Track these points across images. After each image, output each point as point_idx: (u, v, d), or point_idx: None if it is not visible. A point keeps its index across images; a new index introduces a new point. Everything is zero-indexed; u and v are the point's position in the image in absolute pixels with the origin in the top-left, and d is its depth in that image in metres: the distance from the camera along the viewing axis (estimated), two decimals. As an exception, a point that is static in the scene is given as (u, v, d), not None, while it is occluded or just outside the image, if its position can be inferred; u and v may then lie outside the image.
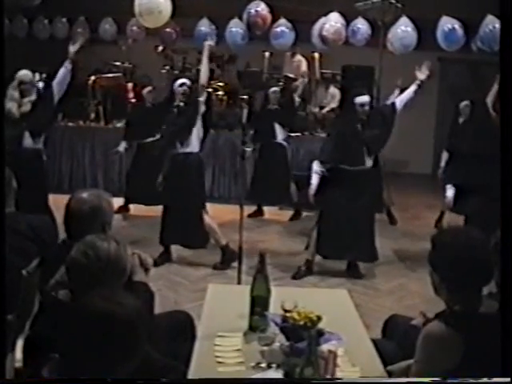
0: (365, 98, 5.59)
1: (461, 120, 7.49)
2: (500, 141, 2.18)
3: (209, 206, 6.06)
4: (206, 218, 5.86)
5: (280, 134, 7.74)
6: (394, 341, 3.07)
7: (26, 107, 5.78)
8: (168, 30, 9.07)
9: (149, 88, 7.91)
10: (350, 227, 5.59)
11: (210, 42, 6.09)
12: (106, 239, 2.48)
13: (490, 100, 6.42)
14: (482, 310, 2.29)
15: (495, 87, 6.58)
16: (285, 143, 7.78)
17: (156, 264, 5.83)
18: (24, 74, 5.89)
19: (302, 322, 2.55)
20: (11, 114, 5.65)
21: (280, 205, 7.99)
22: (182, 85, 5.91)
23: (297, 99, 7.80)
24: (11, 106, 5.67)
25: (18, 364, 2.57)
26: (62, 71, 5.87)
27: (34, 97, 5.82)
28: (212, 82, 9.56)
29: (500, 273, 2.30)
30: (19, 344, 2.84)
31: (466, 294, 2.29)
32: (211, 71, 9.71)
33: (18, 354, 2.78)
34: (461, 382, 1.97)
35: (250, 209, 7.68)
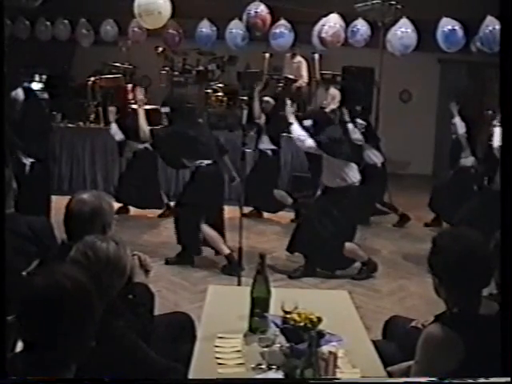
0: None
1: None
2: (500, 141, 2.18)
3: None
4: (205, 229, 5.83)
5: (262, 142, 7.75)
6: (395, 342, 3.07)
7: None
8: (170, 31, 9.07)
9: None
10: (323, 235, 5.63)
11: (140, 97, 6.02)
12: (105, 240, 2.49)
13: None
14: (481, 311, 2.29)
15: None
16: (268, 151, 7.76)
17: (168, 262, 5.94)
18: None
19: (302, 324, 2.55)
20: None
21: (274, 209, 7.97)
22: None
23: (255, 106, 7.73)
24: None
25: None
26: None
27: None
28: (212, 82, 9.57)
29: (500, 273, 2.30)
30: (19, 345, 2.84)
31: (465, 296, 2.29)
32: (211, 72, 9.75)
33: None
34: (459, 382, 1.97)
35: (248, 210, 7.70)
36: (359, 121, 7.44)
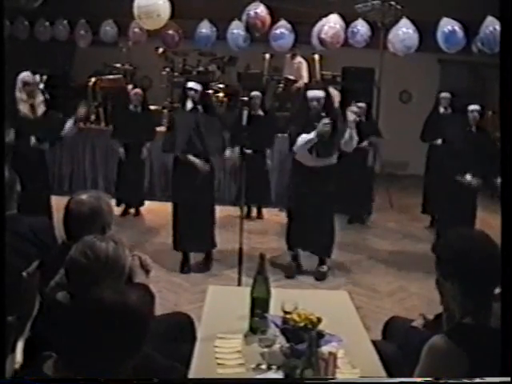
0: None
1: (441, 110, 7.48)
2: (500, 141, 2.17)
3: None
4: None
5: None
6: (394, 342, 3.06)
7: (40, 109, 5.82)
8: (170, 32, 9.07)
9: (136, 90, 7.87)
10: (311, 222, 5.63)
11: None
12: (104, 239, 2.49)
13: None
14: (492, 324, 2.17)
15: None
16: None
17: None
18: (26, 75, 5.89)
19: (302, 324, 2.55)
20: (27, 116, 5.71)
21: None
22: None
23: None
24: (23, 107, 5.71)
25: (18, 365, 2.57)
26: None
27: (41, 97, 5.86)
28: (212, 83, 9.58)
29: (501, 271, 2.24)
30: (19, 345, 2.84)
31: (482, 302, 2.18)
32: (211, 73, 9.74)
33: (19, 355, 2.78)
34: (459, 383, 1.96)
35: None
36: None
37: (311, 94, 5.45)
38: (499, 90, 2.19)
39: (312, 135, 5.28)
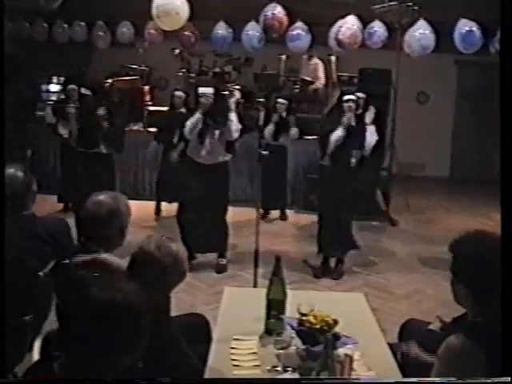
0: None
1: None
2: (500, 140, 2.15)
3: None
4: None
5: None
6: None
7: None
8: (187, 33, 9.09)
9: None
10: (204, 221, 5.65)
11: None
12: (173, 241, 2.62)
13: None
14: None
15: None
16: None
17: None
18: None
19: (318, 326, 2.55)
20: None
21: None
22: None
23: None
24: None
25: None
26: None
27: None
28: (229, 84, 9.58)
29: (502, 269, 2.21)
30: (36, 345, 2.86)
31: (491, 303, 2.15)
32: (228, 74, 9.74)
33: (36, 354, 2.79)
34: (461, 382, 1.94)
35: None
36: None
37: (200, 90, 5.59)
38: (499, 90, 2.16)
39: (197, 115, 5.50)
